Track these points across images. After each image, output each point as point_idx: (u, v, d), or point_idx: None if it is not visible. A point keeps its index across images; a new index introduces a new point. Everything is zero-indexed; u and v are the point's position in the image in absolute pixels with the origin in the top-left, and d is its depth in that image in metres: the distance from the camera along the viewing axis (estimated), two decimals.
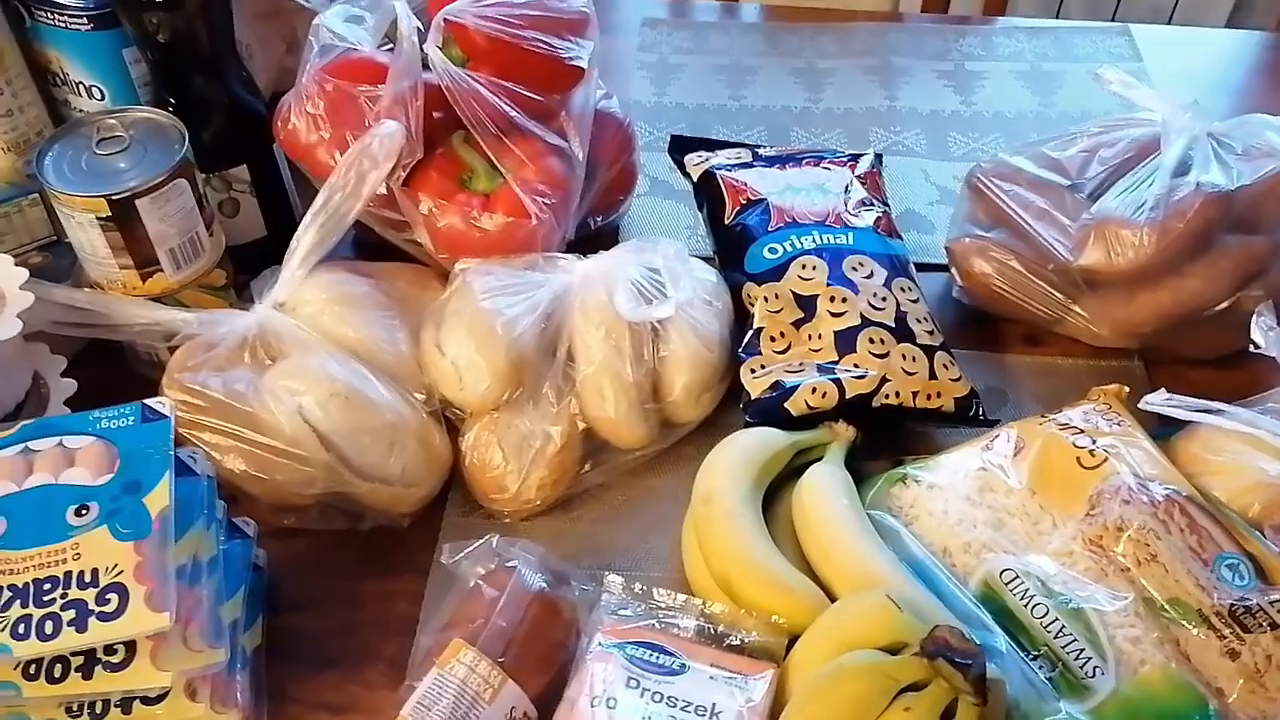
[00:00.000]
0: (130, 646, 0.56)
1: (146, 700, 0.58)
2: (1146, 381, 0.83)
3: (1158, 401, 0.69)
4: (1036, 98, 1.10)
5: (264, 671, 0.66)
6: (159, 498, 0.57)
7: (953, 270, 0.86)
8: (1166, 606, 0.62)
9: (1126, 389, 0.73)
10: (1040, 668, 0.62)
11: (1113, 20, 1.88)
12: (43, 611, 0.54)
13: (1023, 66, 1.14)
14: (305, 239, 0.73)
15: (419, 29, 0.75)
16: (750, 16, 1.24)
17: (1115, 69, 0.84)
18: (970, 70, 1.13)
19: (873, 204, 0.85)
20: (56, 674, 0.56)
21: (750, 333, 0.78)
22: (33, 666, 0.56)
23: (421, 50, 0.75)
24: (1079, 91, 1.10)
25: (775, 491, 0.72)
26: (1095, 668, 0.61)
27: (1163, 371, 0.83)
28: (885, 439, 0.77)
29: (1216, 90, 1.13)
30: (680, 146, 0.92)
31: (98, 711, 0.58)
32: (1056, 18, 1.88)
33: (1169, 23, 1.91)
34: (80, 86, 0.82)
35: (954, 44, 1.16)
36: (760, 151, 0.91)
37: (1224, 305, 0.77)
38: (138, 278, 0.74)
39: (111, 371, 0.80)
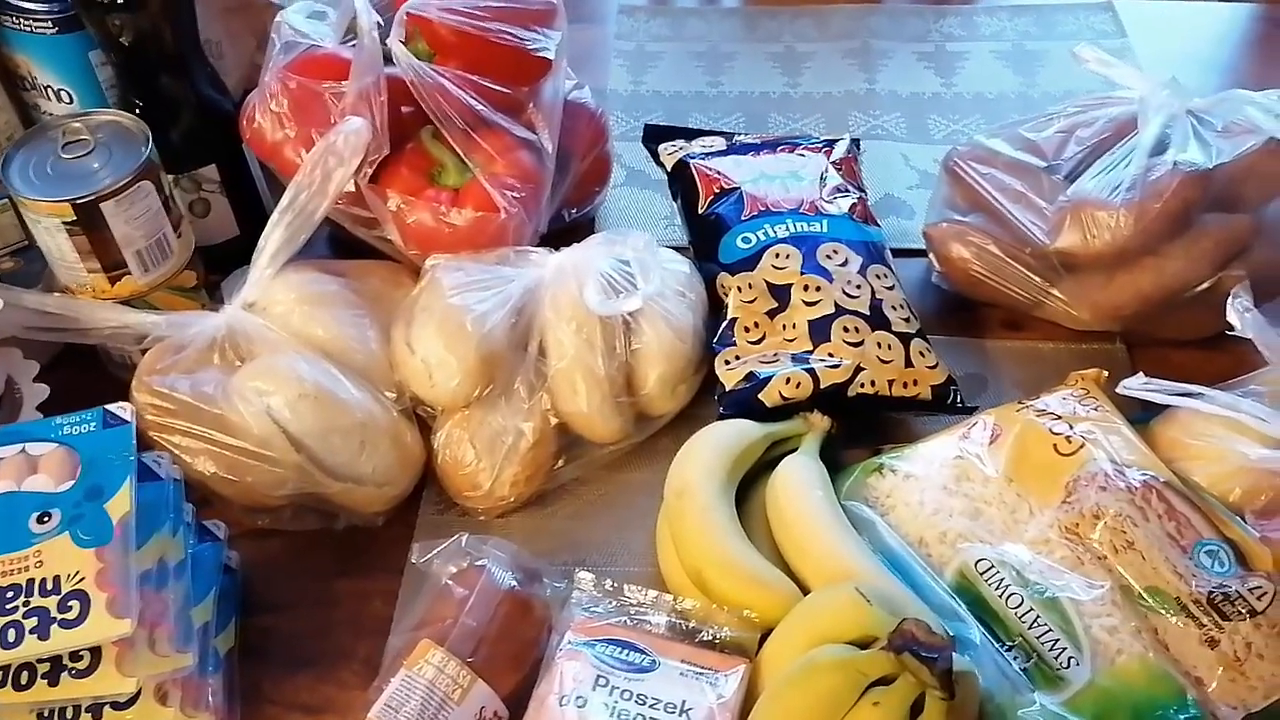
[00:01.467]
0: (96, 652, 0.56)
1: (116, 705, 0.58)
2: (1129, 364, 0.82)
3: (1136, 386, 0.68)
4: (1019, 78, 1.09)
5: (238, 673, 0.66)
6: (120, 503, 0.57)
7: (931, 255, 0.85)
8: (1144, 595, 0.61)
9: (1105, 373, 0.72)
10: (1015, 659, 0.62)
11: None
12: (5, 620, 0.54)
13: (1004, 46, 1.12)
14: (273, 238, 0.73)
15: (379, 24, 0.75)
16: (730, 2, 1.23)
17: (1092, 47, 0.83)
18: (951, 51, 1.12)
19: (848, 190, 0.84)
20: (23, 680, 0.56)
21: (724, 323, 0.78)
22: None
23: (385, 45, 0.75)
24: (1062, 70, 1.09)
25: (750, 484, 0.72)
26: (1070, 658, 0.60)
27: (1146, 354, 0.83)
28: (863, 428, 0.76)
29: (1205, 66, 1.11)
30: (655, 136, 0.91)
31: (69, 717, 0.58)
32: None
33: None
34: (48, 90, 0.82)
35: (934, 25, 1.15)
36: (734, 139, 0.90)
37: (1205, 286, 0.76)
38: (106, 281, 0.74)
39: (86, 375, 0.80)
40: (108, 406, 0.61)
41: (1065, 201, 0.77)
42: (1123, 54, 1.10)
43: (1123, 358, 0.83)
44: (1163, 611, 0.61)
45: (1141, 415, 0.70)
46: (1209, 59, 1.13)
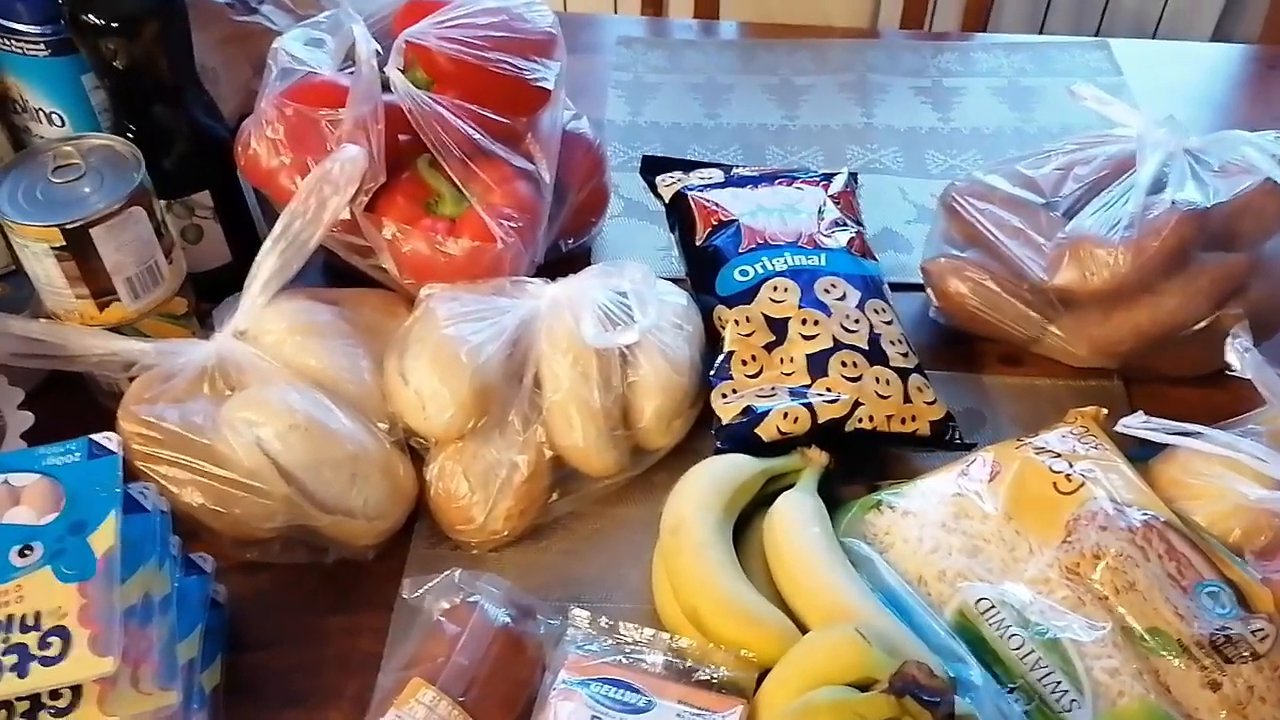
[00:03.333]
0: (77, 691, 0.54)
1: None
2: (1126, 401, 0.81)
3: (1135, 424, 0.68)
4: (1015, 114, 1.09)
5: (223, 711, 0.65)
6: (104, 537, 0.55)
7: (929, 290, 0.85)
8: (1145, 636, 0.60)
9: (1105, 411, 0.71)
10: (1016, 701, 0.61)
11: (1097, 33, 1.87)
12: None
13: (1001, 82, 1.13)
14: (265, 266, 0.72)
15: (378, 52, 0.74)
16: (728, 34, 1.23)
17: (1089, 85, 0.83)
18: (948, 86, 1.12)
19: (846, 224, 0.83)
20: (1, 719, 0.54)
21: (721, 356, 0.77)
22: None
23: (383, 73, 0.74)
24: (1058, 107, 1.09)
25: (747, 520, 0.71)
26: (1072, 701, 0.59)
27: (1144, 391, 0.82)
28: (861, 463, 0.76)
29: (1199, 105, 1.12)
30: (652, 167, 0.91)
31: None
32: (1040, 31, 1.88)
33: (1154, 35, 1.90)
34: (40, 113, 0.81)
35: (931, 60, 1.15)
36: (733, 171, 0.89)
37: (1203, 324, 0.76)
38: (95, 307, 0.73)
39: (72, 403, 0.78)
40: (93, 436, 0.60)
41: (1063, 238, 0.77)
42: (1118, 91, 1.10)
43: (1121, 395, 0.82)
44: (1164, 653, 0.60)
45: (1140, 453, 0.70)
46: (1202, 97, 1.14)
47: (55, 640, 0.53)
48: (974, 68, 1.15)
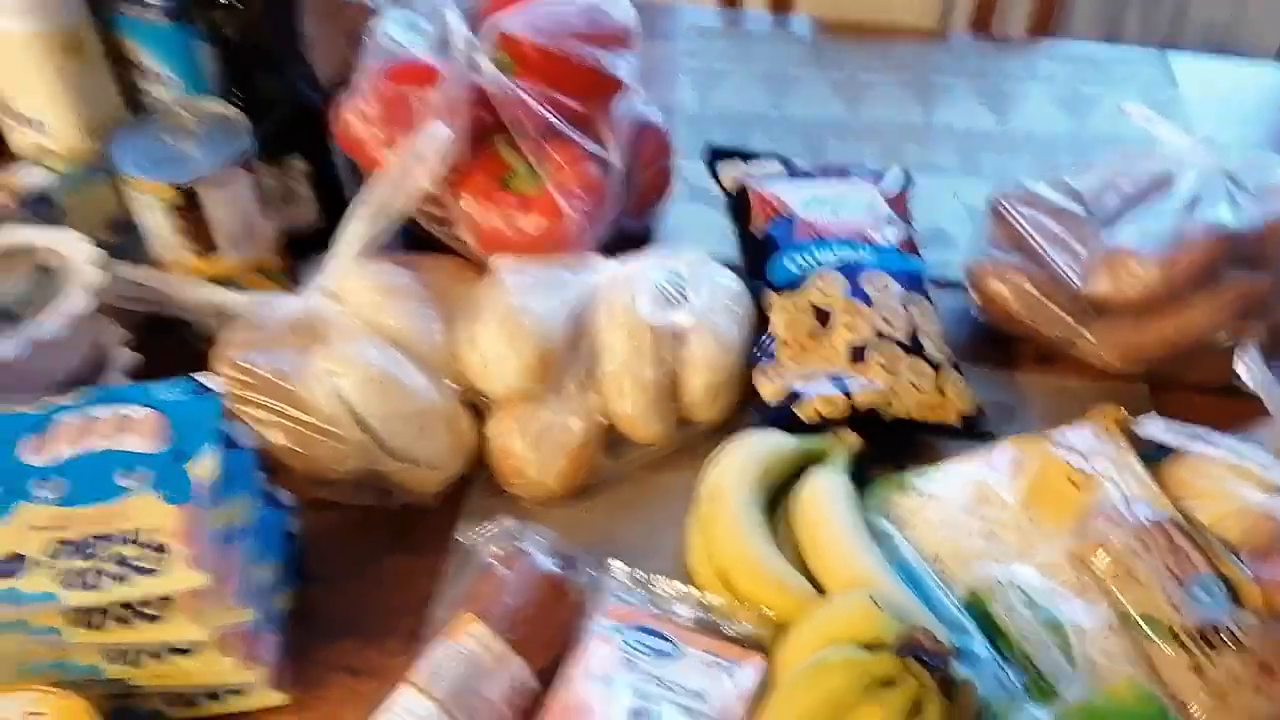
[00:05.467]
0: (168, 601, 0.60)
1: (180, 650, 0.62)
2: (1150, 406, 0.84)
3: (1150, 426, 0.71)
4: (1071, 120, 1.11)
5: (291, 633, 0.70)
6: (204, 467, 0.61)
7: (970, 290, 0.89)
8: (1140, 622, 0.65)
9: (1124, 411, 0.75)
10: (1015, 673, 0.65)
11: (1165, 40, 1.87)
12: (91, 564, 0.58)
13: (1059, 89, 1.15)
14: (352, 230, 0.77)
15: (468, 39, 0.80)
16: (798, 29, 1.26)
17: (1139, 103, 0.86)
18: (1007, 91, 1.15)
19: (895, 221, 0.87)
20: (97, 622, 0.60)
21: (768, 340, 0.82)
22: (76, 614, 0.59)
23: (470, 55, 0.80)
24: (1112, 117, 1.11)
25: (780, 493, 0.75)
26: (1068, 678, 0.64)
27: (1169, 397, 0.85)
28: (890, 448, 0.79)
29: (1250, 123, 1.13)
30: (715, 155, 0.95)
31: (135, 660, 0.62)
32: (1109, 37, 1.88)
33: (1220, 48, 1.89)
34: (156, 77, 0.87)
35: (994, 64, 1.18)
36: (791, 164, 0.93)
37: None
38: (198, 260, 0.79)
39: (168, 345, 0.83)
40: (197, 376, 0.66)
41: (1101, 249, 0.80)
42: (1173, 105, 1.12)
43: (1145, 399, 0.85)
44: (1156, 639, 0.64)
45: (1155, 454, 0.73)
46: (1255, 116, 1.15)
47: (156, 555, 0.58)
48: (1035, 73, 1.17)
